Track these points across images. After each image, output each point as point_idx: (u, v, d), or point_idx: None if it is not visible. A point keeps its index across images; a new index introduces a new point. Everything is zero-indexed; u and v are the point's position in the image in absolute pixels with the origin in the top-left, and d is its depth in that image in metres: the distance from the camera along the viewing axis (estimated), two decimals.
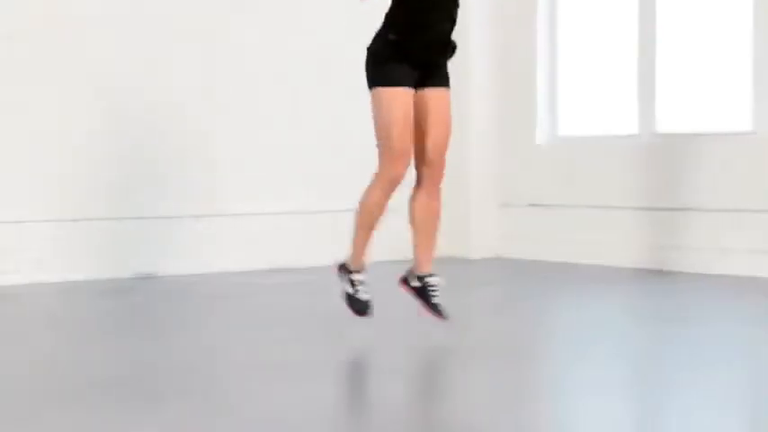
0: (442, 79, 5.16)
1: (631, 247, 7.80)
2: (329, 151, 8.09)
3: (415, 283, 5.19)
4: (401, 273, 5.32)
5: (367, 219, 5.15)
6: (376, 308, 5.24)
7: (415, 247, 5.22)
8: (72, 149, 7.34)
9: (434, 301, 5.10)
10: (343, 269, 5.26)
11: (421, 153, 5.13)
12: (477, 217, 8.59)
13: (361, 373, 4.69)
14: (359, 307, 5.20)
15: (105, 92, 7.45)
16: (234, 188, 7.85)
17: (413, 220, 5.22)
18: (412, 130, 5.04)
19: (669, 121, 7.73)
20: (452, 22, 5.08)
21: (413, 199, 5.21)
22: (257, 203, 7.91)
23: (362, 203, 5.17)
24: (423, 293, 5.16)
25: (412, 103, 5.05)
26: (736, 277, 7.09)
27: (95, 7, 7.40)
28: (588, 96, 8.35)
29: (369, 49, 5.09)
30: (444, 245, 8.36)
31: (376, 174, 5.09)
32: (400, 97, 5.01)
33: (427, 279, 5.15)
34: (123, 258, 7.47)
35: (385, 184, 5.06)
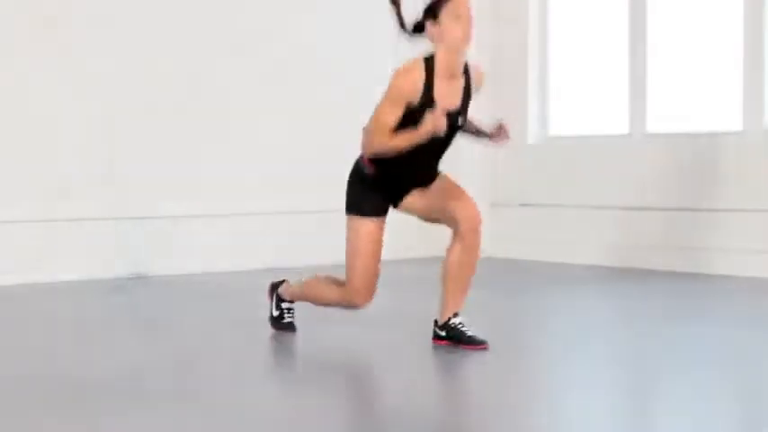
0: (433, 176, 4.89)
1: (622, 247, 7.86)
2: (323, 151, 8.12)
3: (443, 333, 4.93)
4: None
5: (312, 298, 5.11)
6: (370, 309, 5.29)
7: (450, 296, 4.92)
8: (66, 149, 7.36)
9: (469, 335, 4.85)
10: (276, 294, 5.30)
11: (457, 221, 4.75)
12: None
13: (353, 374, 4.71)
14: (284, 327, 5.24)
15: (99, 91, 7.48)
16: (227, 188, 7.87)
17: (448, 274, 4.85)
18: (377, 264, 4.84)
19: (660, 120, 7.79)
20: (438, 159, 4.89)
21: (451, 252, 4.82)
22: (251, 203, 7.94)
23: (313, 290, 5.08)
24: (456, 336, 4.89)
25: (381, 235, 4.84)
26: (727, 277, 7.16)
27: (92, 5, 7.43)
28: (579, 96, 8.42)
29: (350, 175, 4.91)
30: (433, 245, 8.46)
31: (342, 288, 4.91)
32: (370, 231, 4.81)
33: (452, 320, 4.87)
34: (117, 258, 7.50)
35: (343, 302, 4.95)
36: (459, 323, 4.81)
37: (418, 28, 4.73)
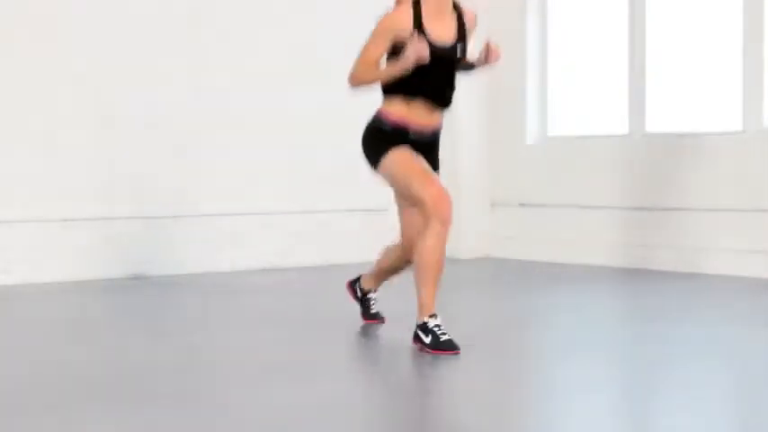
0: (435, 164, 5.11)
1: (621, 247, 7.91)
2: (321, 152, 8.14)
3: (360, 293, 5.61)
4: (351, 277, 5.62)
5: (435, 268, 4.91)
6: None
7: (379, 272, 5.51)
8: (64, 150, 7.39)
9: (373, 311, 5.57)
10: (354, 288, 5.60)
11: (410, 229, 5.13)
12: (468, 217, 8.64)
13: (352, 373, 4.73)
14: (449, 346, 4.97)
15: (96, 94, 7.51)
16: (224, 189, 7.89)
17: (385, 257, 5.40)
18: (430, 170, 5.00)
19: (659, 120, 7.82)
20: (450, 103, 5.13)
21: (392, 252, 5.37)
22: (248, 203, 7.96)
23: (423, 256, 4.90)
24: (365, 303, 5.61)
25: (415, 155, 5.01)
26: (725, 276, 7.18)
27: (84, 9, 7.45)
28: (578, 96, 8.45)
29: (366, 132, 5.09)
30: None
31: (425, 226, 4.90)
32: (408, 153, 4.97)
33: (370, 294, 5.59)
34: (116, 259, 7.53)
35: (439, 227, 4.89)
36: (435, 325, 4.96)
37: None
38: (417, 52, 4.81)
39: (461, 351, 4.72)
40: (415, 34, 4.89)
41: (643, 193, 7.79)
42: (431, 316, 4.86)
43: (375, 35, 4.95)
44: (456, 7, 5.08)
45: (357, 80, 5.03)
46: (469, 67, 5.19)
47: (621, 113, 7.98)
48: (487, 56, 5.07)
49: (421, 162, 4.98)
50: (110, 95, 7.54)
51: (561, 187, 8.31)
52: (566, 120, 8.51)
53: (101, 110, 7.54)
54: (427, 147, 5.06)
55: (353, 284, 5.60)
